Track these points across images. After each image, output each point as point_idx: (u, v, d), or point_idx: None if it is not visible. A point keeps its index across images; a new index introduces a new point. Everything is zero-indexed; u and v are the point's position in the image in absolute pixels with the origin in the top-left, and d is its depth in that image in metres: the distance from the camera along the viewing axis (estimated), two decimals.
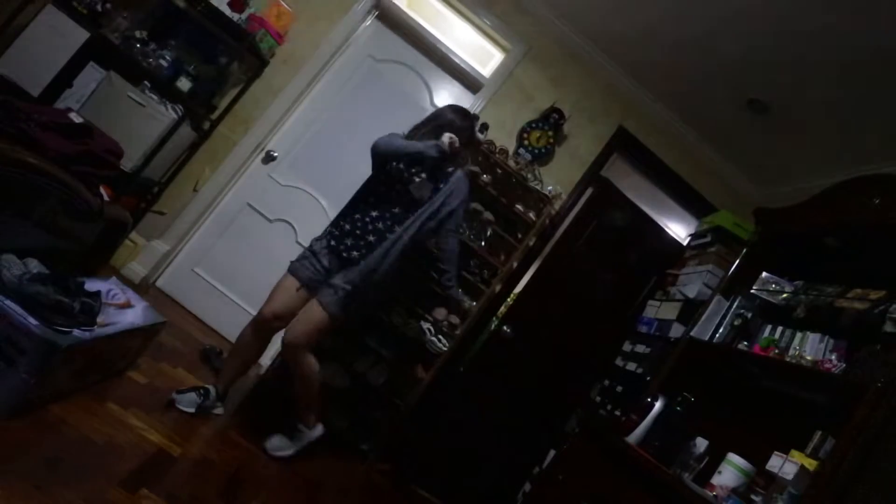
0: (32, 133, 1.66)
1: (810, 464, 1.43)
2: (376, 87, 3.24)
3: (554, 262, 3.05)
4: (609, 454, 1.91)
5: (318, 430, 2.15)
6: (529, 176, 2.94)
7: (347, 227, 2.05)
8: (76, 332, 1.42)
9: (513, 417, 2.92)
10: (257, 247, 3.12)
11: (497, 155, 2.90)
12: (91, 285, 1.65)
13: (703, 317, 2.13)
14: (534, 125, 3.16)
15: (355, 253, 2.02)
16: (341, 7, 3.13)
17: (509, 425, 2.92)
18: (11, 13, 2.54)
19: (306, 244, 3.04)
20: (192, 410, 1.94)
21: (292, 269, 2.07)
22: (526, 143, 3.13)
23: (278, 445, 2.07)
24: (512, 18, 3.21)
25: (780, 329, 1.84)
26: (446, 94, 3.31)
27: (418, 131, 2.18)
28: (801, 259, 2.08)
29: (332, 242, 2.05)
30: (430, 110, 3.27)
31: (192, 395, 1.96)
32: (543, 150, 3.14)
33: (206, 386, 2.02)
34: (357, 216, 2.07)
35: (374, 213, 2.06)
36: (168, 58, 2.76)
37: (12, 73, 2.53)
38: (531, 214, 2.90)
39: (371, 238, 2.03)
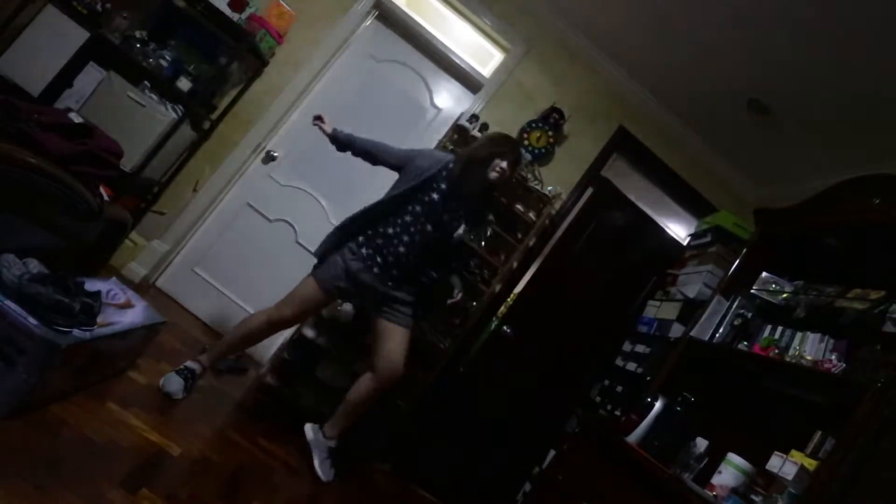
0: (32, 133, 1.66)
1: (810, 464, 1.43)
2: (376, 87, 3.24)
3: (554, 262, 3.05)
4: (609, 454, 1.91)
5: (333, 443, 2.18)
6: (529, 176, 2.94)
7: (391, 259, 2.08)
8: (76, 332, 1.42)
9: (513, 417, 2.92)
10: (257, 247, 3.12)
11: None
12: (91, 285, 1.65)
13: (703, 317, 2.13)
14: (534, 125, 3.16)
15: (400, 281, 2.13)
16: (341, 7, 3.13)
17: (509, 425, 2.92)
18: (11, 13, 2.54)
19: (306, 244, 3.07)
20: (181, 396, 1.95)
21: (327, 287, 2.08)
22: (526, 143, 3.13)
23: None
24: (512, 18, 3.21)
25: (780, 329, 1.84)
26: (446, 94, 3.31)
27: (467, 170, 2.08)
28: (801, 259, 2.08)
29: (377, 270, 2.09)
30: (430, 110, 3.30)
31: (179, 380, 1.96)
32: (543, 150, 3.14)
33: (188, 366, 2.02)
34: (402, 249, 2.07)
35: (417, 251, 2.09)
36: (168, 58, 2.76)
37: (12, 73, 2.53)
38: (531, 214, 2.90)
39: (413, 271, 2.13)
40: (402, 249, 2.06)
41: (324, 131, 2.22)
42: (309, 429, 2.16)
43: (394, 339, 2.09)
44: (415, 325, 2.18)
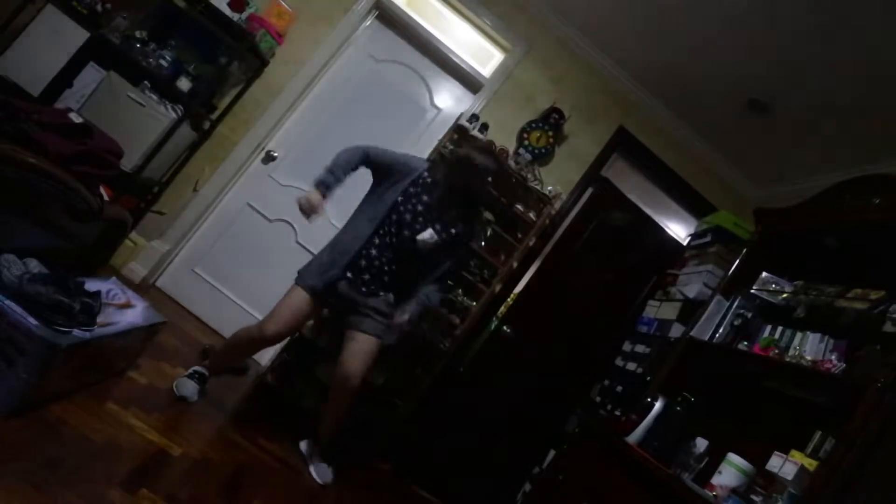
0: (32, 133, 1.66)
1: (810, 464, 1.44)
2: (376, 87, 3.24)
3: (554, 262, 3.05)
4: (609, 454, 1.91)
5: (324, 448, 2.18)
6: (529, 176, 2.94)
7: (363, 262, 2.07)
8: (76, 332, 1.42)
9: (513, 417, 2.92)
10: (257, 247, 3.12)
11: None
12: (91, 285, 1.64)
13: (703, 317, 2.12)
14: (534, 125, 3.16)
15: (373, 287, 2.09)
16: (341, 7, 3.13)
17: (509, 425, 2.92)
18: (11, 13, 2.54)
19: (306, 244, 3.07)
20: (196, 399, 2.00)
21: (312, 293, 2.06)
22: (526, 143, 3.13)
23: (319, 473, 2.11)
24: (512, 18, 3.21)
25: (780, 329, 1.84)
26: (446, 94, 3.31)
27: (448, 176, 2.11)
28: (801, 259, 2.07)
29: (350, 275, 2.07)
30: (430, 110, 3.30)
31: (192, 383, 2.02)
32: (543, 150, 3.14)
33: (197, 370, 2.08)
34: (374, 252, 2.07)
35: (388, 255, 2.08)
36: (168, 58, 2.76)
37: (12, 73, 2.53)
38: (531, 214, 2.90)
39: (386, 279, 2.09)
40: (373, 252, 2.07)
41: (323, 207, 2.08)
42: (303, 444, 2.20)
43: (352, 347, 2.05)
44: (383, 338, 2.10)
